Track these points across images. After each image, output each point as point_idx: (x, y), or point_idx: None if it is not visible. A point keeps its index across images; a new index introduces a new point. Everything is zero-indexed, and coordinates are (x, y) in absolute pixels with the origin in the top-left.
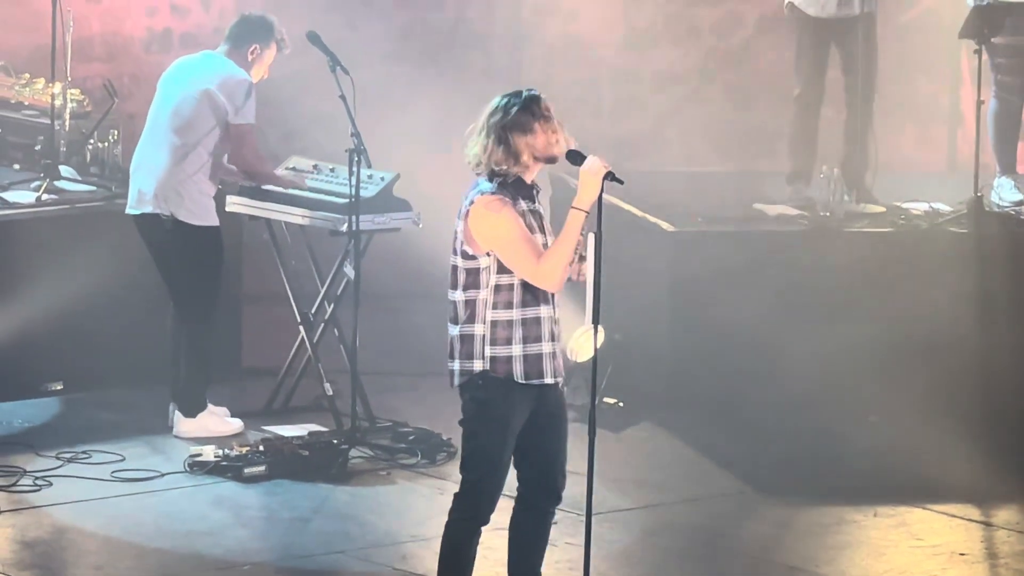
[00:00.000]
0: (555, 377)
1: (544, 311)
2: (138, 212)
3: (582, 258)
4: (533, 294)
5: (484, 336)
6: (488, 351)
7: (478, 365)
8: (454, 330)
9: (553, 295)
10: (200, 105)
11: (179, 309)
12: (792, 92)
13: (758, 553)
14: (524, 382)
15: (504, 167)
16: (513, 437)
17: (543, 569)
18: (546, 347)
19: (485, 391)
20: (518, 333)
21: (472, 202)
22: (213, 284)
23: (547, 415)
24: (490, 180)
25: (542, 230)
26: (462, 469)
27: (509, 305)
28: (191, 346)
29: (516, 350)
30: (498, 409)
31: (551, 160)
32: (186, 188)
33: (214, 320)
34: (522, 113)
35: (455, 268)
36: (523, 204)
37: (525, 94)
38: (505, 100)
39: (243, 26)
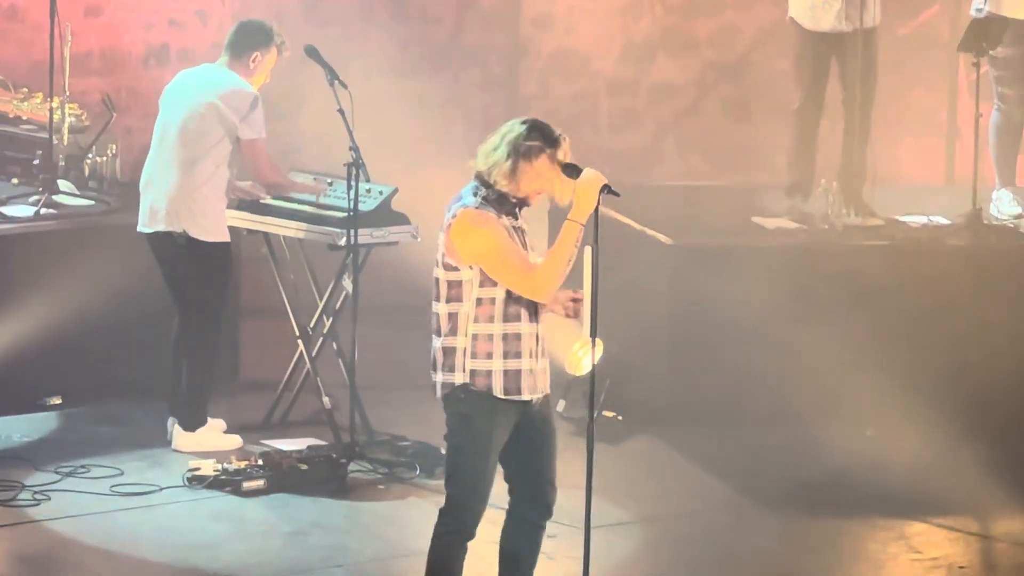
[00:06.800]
0: (533, 394)
1: (526, 327)
2: (150, 231)
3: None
4: (516, 309)
5: (465, 349)
6: (469, 364)
7: (459, 378)
8: (437, 342)
9: (537, 313)
10: (206, 119)
11: (185, 323)
12: (790, 105)
13: (757, 566)
14: (504, 397)
15: (497, 184)
16: (495, 451)
17: None
18: (526, 363)
19: (467, 404)
20: (499, 348)
21: (455, 215)
22: (221, 299)
23: (533, 429)
24: (475, 193)
25: (524, 247)
26: (446, 484)
27: (491, 319)
28: (195, 361)
29: (496, 364)
30: (480, 423)
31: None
32: (197, 203)
33: (219, 335)
34: (536, 144)
35: (437, 280)
36: (505, 220)
37: (555, 132)
38: (528, 125)
39: (241, 34)
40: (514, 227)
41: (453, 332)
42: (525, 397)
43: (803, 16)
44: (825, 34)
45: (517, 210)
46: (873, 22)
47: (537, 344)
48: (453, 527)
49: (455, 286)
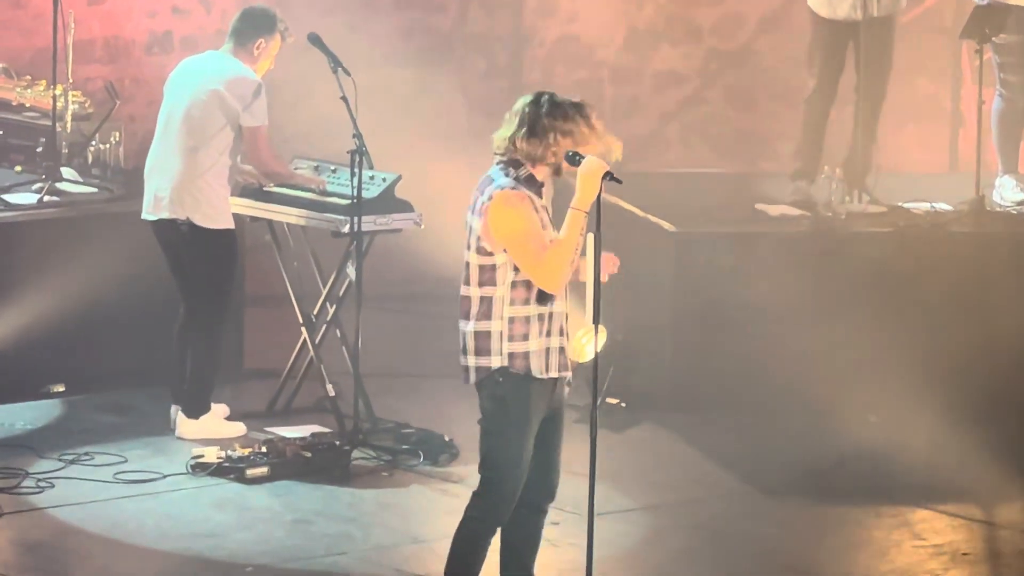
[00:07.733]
0: (562, 371)
1: (558, 306)
2: (155, 218)
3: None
4: None
5: (502, 332)
6: (506, 347)
7: (496, 361)
8: (467, 326)
9: (565, 291)
10: (209, 106)
11: (190, 311)
12: (799, 91)
13: (761, 554)
14: (542, 376)
15: (525, 159)
16: (533, 434)
17: (536, 570)
18: (555, 341)
19: (504, 388)
20: (535, 328)
21: (491, 197)
22: (226, 287)
23: (552, 411)
24: (507, 174)
25: (547, 226)
26: (482, 468)
27: (527, 301)
28: (200, 348)
29: (533, 345)
30: (518, 405)
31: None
32: (201, 191)
33: (224, 323)
34: (565, 114)
35: (469, 264)
36: (536, 200)
37: (576, 98)
38: (551, 96)
39: (245, 21)
40: (542, 207)
41: (487, 316)
42: (554, 375)
43: (819, 5)
44: (841, 22)
45: (542, 189)
46: (888, 10)
47: (565, 322)
48: (487, 512)
49: (488, 270)
